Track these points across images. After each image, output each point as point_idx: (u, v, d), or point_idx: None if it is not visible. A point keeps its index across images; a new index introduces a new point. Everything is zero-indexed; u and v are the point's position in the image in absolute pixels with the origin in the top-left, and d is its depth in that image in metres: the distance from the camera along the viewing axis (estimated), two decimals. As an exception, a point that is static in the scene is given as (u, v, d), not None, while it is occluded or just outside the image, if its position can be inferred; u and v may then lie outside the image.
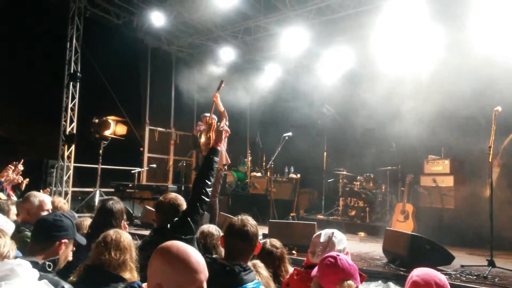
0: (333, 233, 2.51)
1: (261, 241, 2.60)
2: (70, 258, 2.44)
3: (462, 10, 7.18)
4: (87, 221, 3.54)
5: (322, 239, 2.49)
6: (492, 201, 4.89)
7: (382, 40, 8.16)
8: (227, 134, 3.43)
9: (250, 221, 2.35)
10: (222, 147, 6.58)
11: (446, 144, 7.35)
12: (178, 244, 1.55)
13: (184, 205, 3.02)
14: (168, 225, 2.82)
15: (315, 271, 2.17)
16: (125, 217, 3.36)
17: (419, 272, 2.02)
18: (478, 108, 6.40)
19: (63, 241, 2.33)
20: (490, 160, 4.95)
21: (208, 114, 6.97)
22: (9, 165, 4.81)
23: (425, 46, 7.63)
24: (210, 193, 3.05)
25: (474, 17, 7.06)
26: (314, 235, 2.62)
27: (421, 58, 7.63)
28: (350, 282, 2.01)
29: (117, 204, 3.27)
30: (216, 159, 3.17)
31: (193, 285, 1.47)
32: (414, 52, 7.84)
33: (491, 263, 4.67)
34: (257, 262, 2.59)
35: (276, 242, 3.21)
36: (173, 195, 3.10)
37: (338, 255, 2.11)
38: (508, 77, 6.03)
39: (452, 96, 6.91)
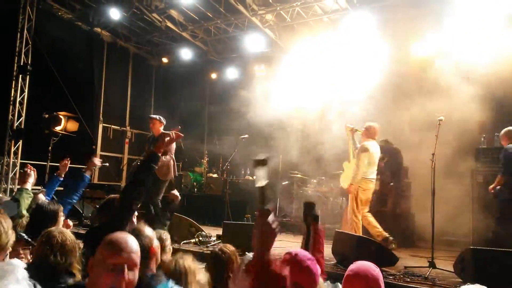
0: None
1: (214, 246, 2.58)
2: None
3: (407, 25, 7.67)
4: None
5: None
6: (433, 205, 5.18)
7: (340, 49, 8.50)
8: (172, 141, 2.80)
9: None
10: (171, 160, 6.44)
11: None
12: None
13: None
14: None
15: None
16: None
17: (354, 266, 2.10)
18: (422, 117, 6.79)
19: None
20: (432, 166, 5.25)
21: (155, 116, 6.85)
22: None
23: (377, 58, 8.05)
24: (136, 207, 2.73)
25: (417, 34, 7.59)
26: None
27: (371, 70, 8.04)
28: None
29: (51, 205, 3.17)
30: (155, 167, 2.72)
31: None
32: (364, 65, 8.23)
33: (432, 264, 4.95)
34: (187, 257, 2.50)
35: (228, 248, 3.02)
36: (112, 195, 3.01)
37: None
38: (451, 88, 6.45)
39: (399, 105, 7.32)
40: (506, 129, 6.01)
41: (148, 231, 2.34)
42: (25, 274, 1.68)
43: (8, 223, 1.79)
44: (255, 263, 1.42)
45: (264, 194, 1.52)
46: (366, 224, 6.24)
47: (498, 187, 5.86)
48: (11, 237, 1.81)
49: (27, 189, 3.13)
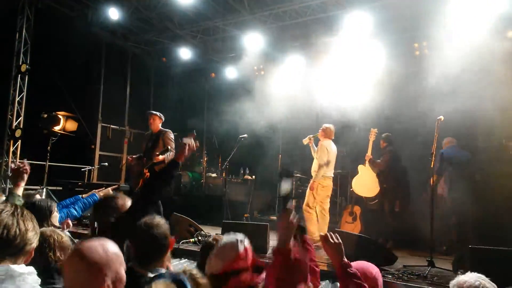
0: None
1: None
2: None
3: (405, 25, 7.69)
4: None
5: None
6: (433, 205, 5.20)
7: (339, 48, 8.54)
8: (191, 150, 3.06)
9: (155, 221, 2.36)
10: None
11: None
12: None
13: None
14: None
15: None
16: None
17: (353, 265, 2.12)
18: (421, 116, 6.81)
19: None
20: (432, 165, 5.27)
21: (156, 112, 6.83)
22: None
23: (375, 58, 8.08)
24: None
25: (414, 32, 7.63)
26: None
27: (368, 68, 8.08)
28: None
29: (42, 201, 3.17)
30: (176, 173, 3.06)
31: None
32: (362, 63, 8.27)
33: (431, 263, 4.97)
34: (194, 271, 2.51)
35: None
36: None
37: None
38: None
39: (395, 105, 7.34)
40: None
41: (163, 221, 2.43)
42: (37, 281, 1.64)
43: (29, 226, 1.65)
44: (279, 251, 1.72)
45: (286, 201, 1.90)
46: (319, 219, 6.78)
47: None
48: (31, 240, 1.65)
49: (19, 195, 3.06)
